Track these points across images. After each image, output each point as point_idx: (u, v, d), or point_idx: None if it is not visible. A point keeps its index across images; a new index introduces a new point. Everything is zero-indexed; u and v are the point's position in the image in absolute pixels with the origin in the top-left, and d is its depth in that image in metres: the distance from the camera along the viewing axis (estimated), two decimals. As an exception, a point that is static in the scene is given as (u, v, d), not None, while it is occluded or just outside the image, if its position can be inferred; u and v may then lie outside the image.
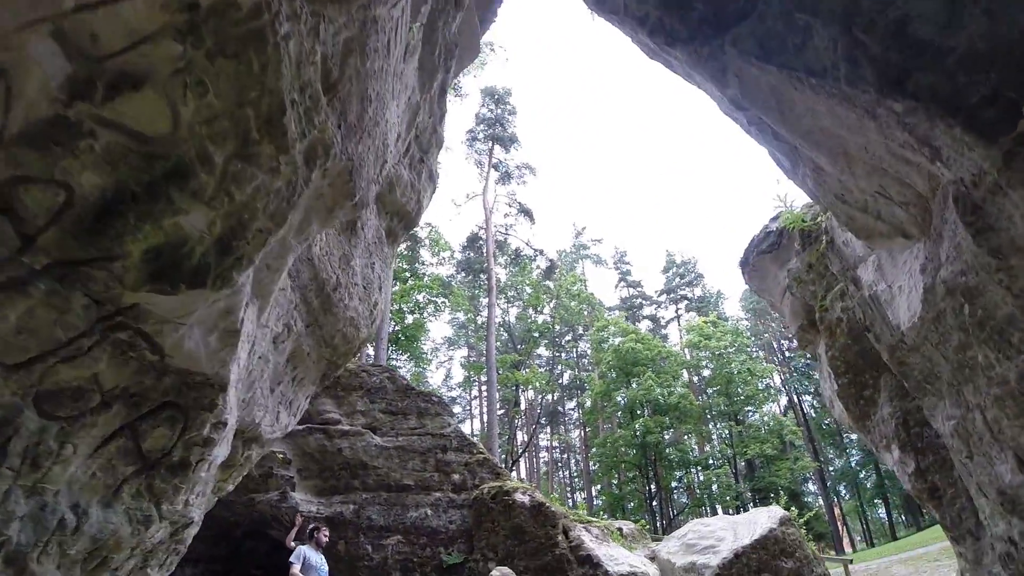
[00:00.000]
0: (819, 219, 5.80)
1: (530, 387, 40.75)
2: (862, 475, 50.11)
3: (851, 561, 14.56)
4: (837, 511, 43.22)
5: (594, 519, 14.05)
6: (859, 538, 48.46)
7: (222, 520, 9.92)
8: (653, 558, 12.18)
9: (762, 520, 11.36)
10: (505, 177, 40.27)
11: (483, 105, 39.80)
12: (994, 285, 2.51)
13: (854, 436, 52.50)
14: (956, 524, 4.44)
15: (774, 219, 6.65)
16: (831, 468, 50.45)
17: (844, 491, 46.75)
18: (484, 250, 37.37)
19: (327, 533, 8.74)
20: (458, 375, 53.20)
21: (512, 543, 11.10)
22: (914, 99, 2.86)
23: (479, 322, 40.96)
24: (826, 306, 5.40)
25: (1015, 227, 2.51)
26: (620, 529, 13.93)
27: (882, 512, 50.91)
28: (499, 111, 39.75)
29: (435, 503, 11.41)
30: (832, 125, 3.47)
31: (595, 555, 11.23)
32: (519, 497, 11.90)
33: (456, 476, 12.27)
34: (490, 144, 39.04)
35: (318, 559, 8.26)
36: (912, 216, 3.20)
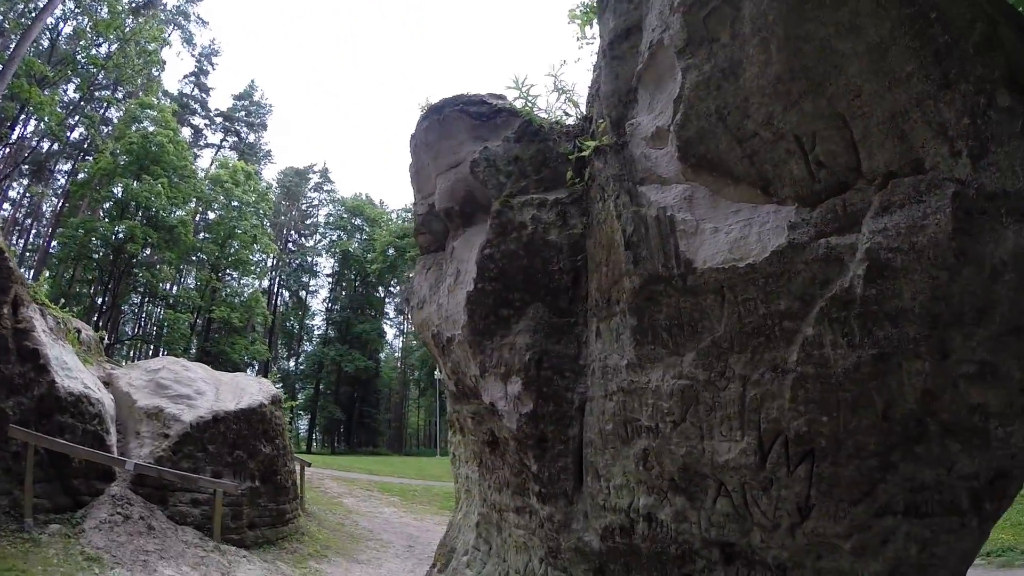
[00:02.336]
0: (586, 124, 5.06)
1: (35, 118, 30.37)
2: (298, 386, 55.33)
3: (309, 465, 15.12)
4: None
5: (53, 306, 11.20)
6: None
7: None
8: (108, 383, 10.45)
9: (252, 389, 10.71)
10: None
11: None
12: (933, 269, 2.46)
13: (309, 347, 57.58)
14: (552, 482, 4.40)
15: (498, 97, 5.76)
16: (277, 366, 54.07)
17: (280, 391, 50.53)
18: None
19: None
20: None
21: (-71, 292, 7.89)
22: None
23: (30, 8, 28.41)
24: (514, 206, 4.87)
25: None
26: (79, 332, 11.47)
27: (304, 424, 56.79)
28: None
29: None
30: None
31: (45, 354, 8.96)
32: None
33: None
34: None
35: None
36: (809, 178, 2.88)
